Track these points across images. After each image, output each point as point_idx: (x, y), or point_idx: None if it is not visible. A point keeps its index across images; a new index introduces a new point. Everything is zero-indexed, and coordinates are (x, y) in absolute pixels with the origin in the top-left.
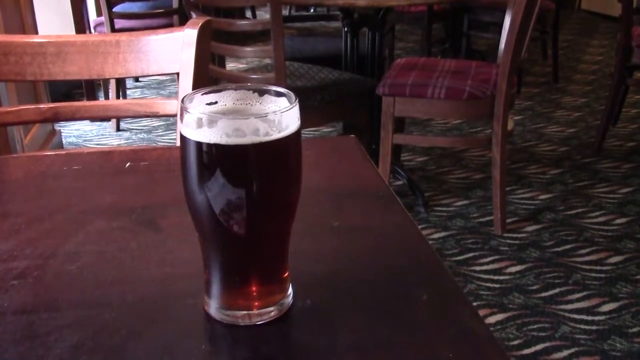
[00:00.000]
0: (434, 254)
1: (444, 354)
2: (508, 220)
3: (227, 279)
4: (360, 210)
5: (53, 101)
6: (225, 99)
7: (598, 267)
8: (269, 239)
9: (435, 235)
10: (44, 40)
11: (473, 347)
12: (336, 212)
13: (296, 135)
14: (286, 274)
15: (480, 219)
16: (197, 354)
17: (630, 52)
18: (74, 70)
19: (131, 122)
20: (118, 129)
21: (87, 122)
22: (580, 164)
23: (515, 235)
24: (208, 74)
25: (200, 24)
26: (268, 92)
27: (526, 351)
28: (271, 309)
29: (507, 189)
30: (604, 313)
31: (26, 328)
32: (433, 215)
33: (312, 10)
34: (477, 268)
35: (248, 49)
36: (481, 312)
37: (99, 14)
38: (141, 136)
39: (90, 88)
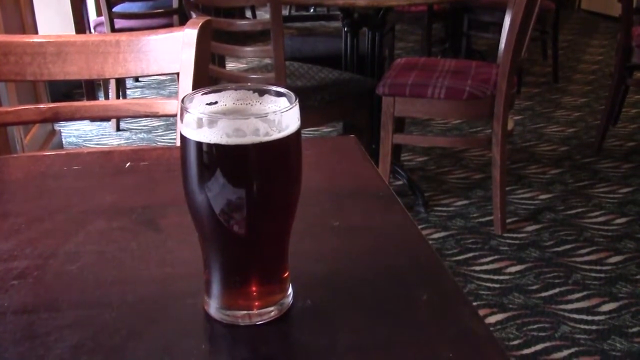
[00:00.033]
0: (434, 254)
1: (444, 354)
2: (508, 220)
3: (227, 279)
4: (361, 210)
5: (53, 101)
6: (226, 99)
7: (598, 267)
8: (269, 239)
9: (435, 235)
10: (44, 40)
11: (473, 347)
12: (336, 212)
13: (296, 135)
14: (286, 274)
15: (480, 219)
16: (197, 354)
17: (630, 52)
18: (74, 70)
19: (131, 122)
20: (118, 129)
21: (87, 122)
22: (580, 164)
23: (515, 235)
24: (208, 74)
25: (200, 24)
26: (268, 92)
27: (526, 351)
28: (271, 309)
29: (507, 189)
30: (604, 313)
31: (26, 328)
32: (433, 215)
33: (312, 10)
34: (477, 268)
35: (248, 49)
36: (481, 312)
37: (98, 14)
38: (141, 136)
39: (90, 88)
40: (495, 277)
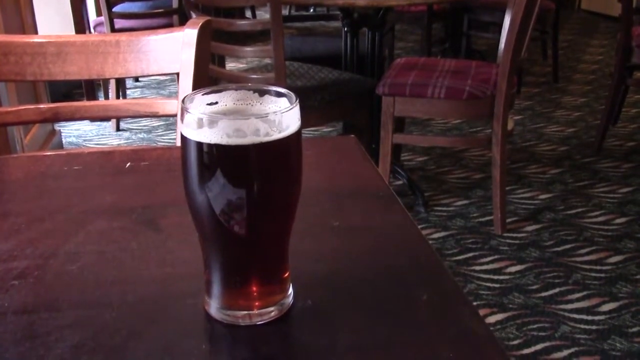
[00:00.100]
0: (434, 254)
1: (444, 354)
2: (508, 220)
3: (227, 279)
4: (361, 210)
5: (53, 101)
6: (226, 99)
7: (598, 267)
8: (269, 239)
9: (435, 235)
10: (44, 40)
11: (473, 347)
12: (336, 212)
13: (296, 135)
14: (286, 274)
15: (480, 219)
16: (198, 354)
17: (630, 52)
18: (74, 70)
19: (131, 122)
20: (118, 129)
21: (87, 122)
22: (580, 163)
23: (515, 235)
24: (208, 74)
25: (200, 24)
26: (268, 92)
27: (526, 351)
28: (271, 309)
29: (507, 188)
30: (604, 313)
31: (27, 328)
32: (433, 215)
33: (311, 10)
34: (477, 268)
35: (248, 48)
36: (481, 312)
37: (98, 14)
38: (141, 136)
39: (90, 88)
40: (495, 277)
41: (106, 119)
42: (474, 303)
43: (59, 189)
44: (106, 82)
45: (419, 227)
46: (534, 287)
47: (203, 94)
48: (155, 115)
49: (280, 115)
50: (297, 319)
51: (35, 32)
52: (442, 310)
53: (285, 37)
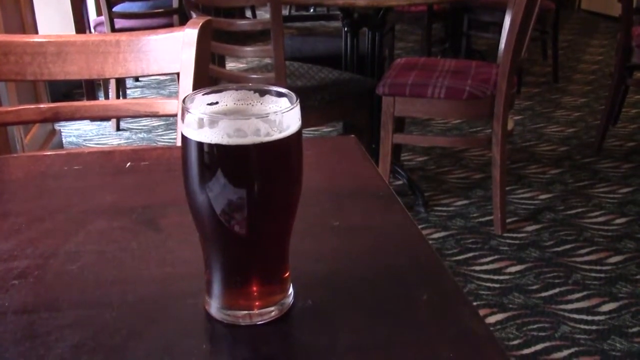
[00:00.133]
0: (434, 254)
1: (444, 354)
2: (508, 220)
3: (228, 278)
4: (361, 210)
5: (53, 101)
6: (226, 99)
7: (598, 267)
8: (269, 239)
9: (435, 235)
10: (44, 40)
11: (473, 347)
12: (336, 212)
13: (297, 135)
14: (287, 274)
15: (480, 219)
16: (198, 353)
17: (630, 52)
18: (74, 70)
19: (131, 122)
20: (118, 129)
21: (87, 121)
22: (580, 164)
23: (515, 235)
24: (208, 74)
25: (200, 24)
26: (269, 92)
27: (526, 351)
28: (272, 308)
29: (507, 188)
30: (604, 313)
31: (27, 328)
32: (433, 215)
33: (312, 10)
34: (477, 268)
35: (248, 48)
36: (481, 312)
37: (99, 13)
38: (141, 136)
39: (90, 88)
40: (495, 277)
41: (106, 118)
42: (474, 303)
43: (59, 188)
44: (106, 81)
45: (419, 227)
46: (534, 287)
47: (204, 94)
48: (155, 115)
49: (281, 115)
50: (297, 318)
51: (36, 31)
52: (442, 310)
53: (285, 37)
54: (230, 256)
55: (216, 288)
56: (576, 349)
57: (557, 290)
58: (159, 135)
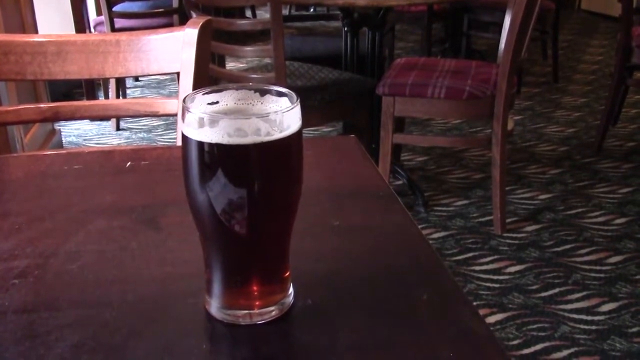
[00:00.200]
0: (434, 254)
1: (444, 354)
2: (508, 220)
3: (228, 278)
4: (361, 210)
5: (53, 100)
6: (227, 98)
7: (598, 267)
8: (270, 238)
9: (435, 235)
10: (44, 39)
11: (473, 347)
12: (336, 212)
13: (297, 135)
14: (287, 274)
15: (480, 219)
16: (198, 353)
17: (630, 52)
18: (74, 69)
19: (131, 122)
20: (118, 129)
21: (87, 121)
22: (580, 164)
23: (515, 235)
24: (208, 74)
25: (200, 24)
26: (269, 92)
27: (526, 351)
28: (272, 308)
29: (507, 188)
30: (604, 313)
31: (27, 327)
32: (433, 215)
33: (312, 10)
34: (477, 268)
35: (248, 48)
36: (481, 312)
37: (98, 13)
38: (141, 135)
39: (90, 87)
40: (495, 277)
41: (106, 118)
42: (474, 303)
43: (59, 188)
44: (106, 81)
45: (419, 227)
46: (534, 287)
47: (204, 94)
48: (155, 115)
49: (281, 115)
50: (297, 318)
51: (36, 31)
52: (442, 310)
53: (285, 37)
54: (230, 256)
55: (216, 287)
56: (576, 349)
57: (556, 290)
58: (158, 135)
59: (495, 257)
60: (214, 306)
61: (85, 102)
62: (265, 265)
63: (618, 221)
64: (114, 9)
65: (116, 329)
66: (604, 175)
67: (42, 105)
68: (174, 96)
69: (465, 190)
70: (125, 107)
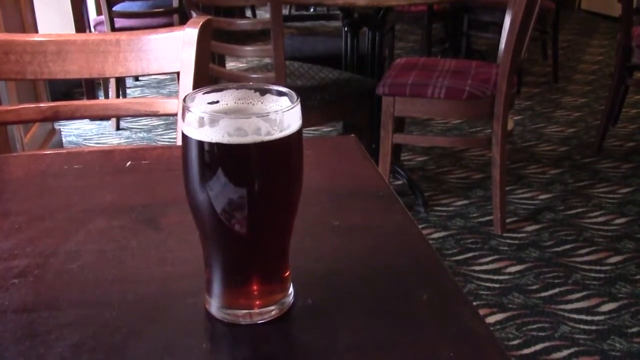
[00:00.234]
0: (434, 254)
1: (444, 354)
2: (508, 220)
3: (228, 278)
4: (361, 210)
5: (53, 100)
6: (227, 98)
7: (598, 267)
8: (270, 238)
9: (435, 235)
10: (44, 39)
11: (473, 347)
12: (336, 212)
13: (298, 134)
14: (287, 273)
15: (480, 219)
16: (198, 352)
17: (630, 52)
18: (74, 69)
19: (131, 121)
20: (118, 128)
21: (87, 121)
22: (580, 164)
23: (515, 235)
24: (208, 74)
25: (200, 23)
26: (269, 91)
27: (526, 351)
28: (272, 308)
29: (507, 188)
30: (604, 313)
31: (27, 326)
32: (433, 215)
33: (312, 10)
34: (477, 268)
35: (248, 48)
36: (481, 312)
37: (99, 12)
38: (141, 135)
39: (90, 87)
40: (495, 277)
41: (106, 118)
42: (474, 303)
43: (59, 187)
44: (106, 81)
45: (419, 227)
46: (534, 287)
47: (204, 93)
48: (155, 115)
49: (282, 115)
50: (297, 318)
51: (36, 30)
52: (442, 310)
53: (285, 37)
54: (230, 255)
55: (216, 287)
56: (576, 349)
57: (556, 290)
58: (158, 134)
59: (495, 257)
60: (214, 306)
61: (85, 102)
62: (265, 265)
63: (618, 221)
64: (114, 8)
65: (116, 328)
66: (604, 175)
67: (42, 105)
68: (174, 96)
69: (465, 190)
70: (125, 107)
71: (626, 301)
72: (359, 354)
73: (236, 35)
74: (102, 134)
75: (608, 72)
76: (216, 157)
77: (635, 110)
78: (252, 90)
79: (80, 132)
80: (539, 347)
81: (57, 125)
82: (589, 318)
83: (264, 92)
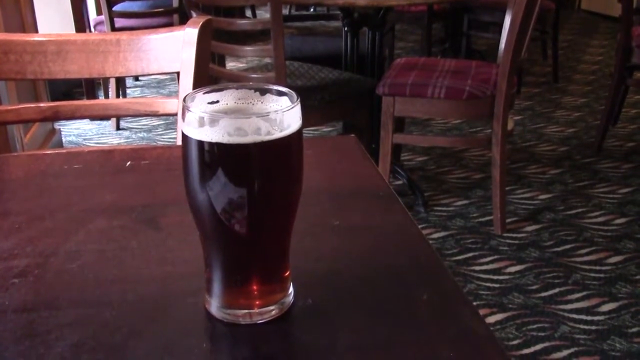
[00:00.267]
0: (434, 254)
1: (444, 354)
2: (508, 220)
3: (228, 277)
4: (361, 210)
5: (53, 100)
6: (227, 98)
7: (597, 267)
8: (270, 238)
9: (435, 235)
10: (44, 39)
11: (473, 347)
12: (336, 212)
13: (298, 134)
14: (287, 273)
15: (480, 219)
16: (198, 352)
17: (630, 52)
18: (74, 69)
19: (131, 121)
20: (118, 128)
21: (87, 121)
22: (580, 164)
23: (515, 235)
24: (208, 73)
25: (200, 23)
26: (270, 91)
27: (526, 351)
28: (272, 307)
29: (507, 188)
30: (604, 313)
31: (27, 326)
32: (433, 215)
33: (312, 10)
34: (477, 268)
35: (248, 48)
36: (481, 312)
37: (99, 12)
38: (141, 135)
39: (90, 87)
40: (495, 277)
41: (106, 117)
42: (474, 303)
43: (59, 187)
44: (106, 81)
45: (419, 227)
46: (534, 287)
47: (204, 93)
48: (155, 115)
49: (282, 114)
50: (297, 318)
51: (36, 30)
52: (442, 310)
53: (285, 37)
54: (230, 255)
55: (216, 287)
56: (576, 349)
57: (556, 290)
58: (158, 134)
59: (495, 257)
60: (214, 305)
61: (85, 102)
62: (265, 265)
63: (618, 221)
64: (114, 8)
65: (116, 328)
66: (604, 175)
67: (42, 105)
68: (174, 96)
69: (465, 190)
70: (125, 107)
71: (626, 301)
72: (359, 354)
73: (236, 35)
74: (102, 133)
75: (608, 72)
76: (216, 157)
77: (635, 110)
78: (252, 90)
79: (80, 132)
80: (539, 347)
81: (57, 125)
82: (589, 318)
83: (264, 92)
